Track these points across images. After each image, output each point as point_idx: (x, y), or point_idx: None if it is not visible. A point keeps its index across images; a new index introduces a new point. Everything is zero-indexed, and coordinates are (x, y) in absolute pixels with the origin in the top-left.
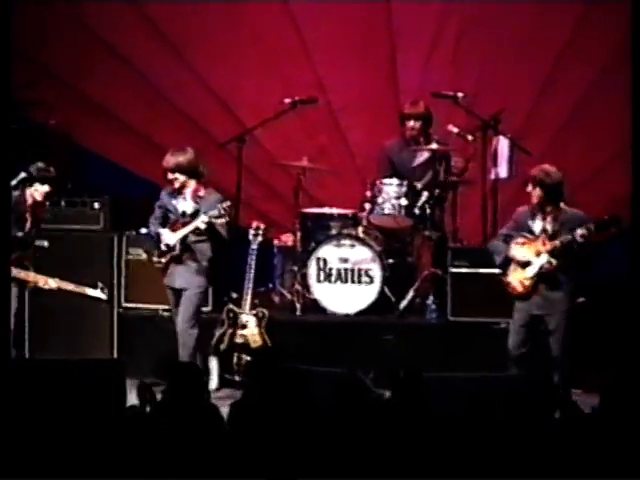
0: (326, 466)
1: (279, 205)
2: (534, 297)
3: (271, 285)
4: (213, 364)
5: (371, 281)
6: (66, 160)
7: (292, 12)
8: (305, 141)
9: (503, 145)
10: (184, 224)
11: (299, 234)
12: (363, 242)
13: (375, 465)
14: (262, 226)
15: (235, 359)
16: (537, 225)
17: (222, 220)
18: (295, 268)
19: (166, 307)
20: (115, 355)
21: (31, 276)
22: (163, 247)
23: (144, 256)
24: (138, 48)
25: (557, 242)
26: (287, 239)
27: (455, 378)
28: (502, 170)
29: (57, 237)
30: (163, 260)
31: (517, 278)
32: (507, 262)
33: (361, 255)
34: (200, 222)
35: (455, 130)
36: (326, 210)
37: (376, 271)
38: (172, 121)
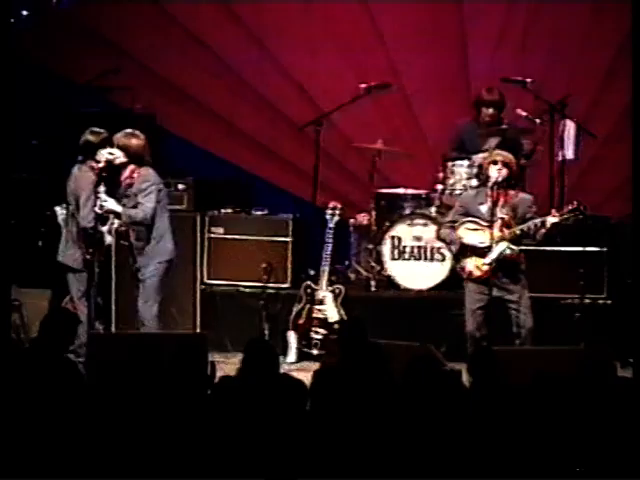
0: (401, 437)
1: (355, 186)
2: (492, 280)
3: (347, 263)
4: (292, 338)
5: (443, 259)
6: (151, 144)
7: (366, 0)
8: (380, 124)
9: (570, 128)
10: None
11: (374, 214)
12: (435, 221)
13: (448, 438)
14: (339, 206)
15: (313, 334)
16: (486, 209)
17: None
18: (370, 246)
19: (247, 284)
20: (198, 330)
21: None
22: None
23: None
24: (220, 36)
25: (517, 230)
26: (362, 219)
27: (526, 351)
28: (569, 152)
29: None
30: (126, 243)
31: (474, 263)
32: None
33: (434, 234)
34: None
35: (524, 114)
36: (400, 190)
37: (448, 249)
38: (253, 106)
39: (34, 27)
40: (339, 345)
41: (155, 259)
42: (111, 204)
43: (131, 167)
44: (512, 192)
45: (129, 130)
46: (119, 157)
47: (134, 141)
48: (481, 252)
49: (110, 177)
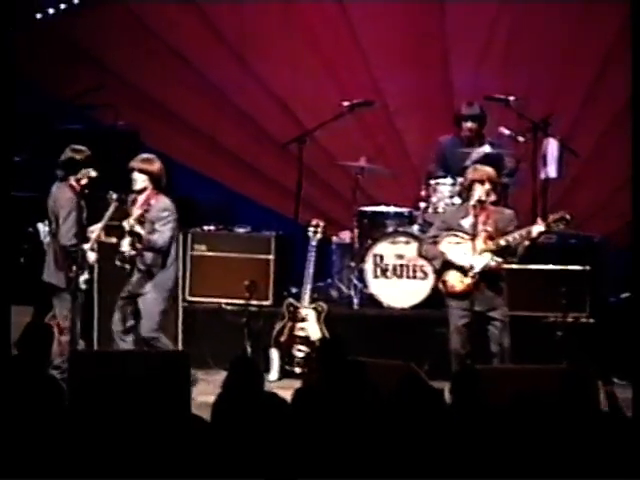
0: (383, 457)
1: (338, 203)
2: (474, 294)
3: (329, 280)
4: (274, 356)
5: (425, 276)
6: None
7: (349, 17)
8: (363, 142)
9: (553, 146)
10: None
11: (356, 231)
12: (418, 239)
13: (431, 455)
14: (321, 223)
15: (295, 351)
16: (468, 223)
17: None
18: (353, 264)
19: (229, 301)
20: (180, 347)
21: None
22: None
23: (208, 252)
24: (202, 52)
25: (502, 241)
26: (345, 236)
27: (508, 370)
28: (552, 170)
29: (124, 234)
30: (126, 266)
31: (456, 277)
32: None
33: (416, 252)
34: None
35: (506, 132)
36: (383, 208)
37: (430, 267)
38: (235, 123)
39: (17, 43)
40: (318, 363)
41: (162, 286)
42: (139, 228)
43: (148, 192)
44: (492, 208)
45: (145, 155)
46: (141, 182)
47: (156, 165)
48: (464, 266)
49: (89, 195)
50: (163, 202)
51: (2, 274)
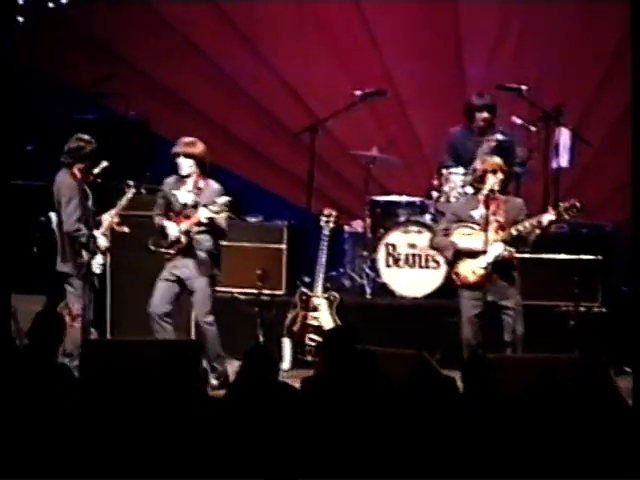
0: (395, 445)
1: (350, 193)
2: (487, 285)
3: (342, 269)
4: (286, 345)
5: (437, 266)
6: (145, 149)
7: (361, 7)
8: (375, 131)
9: (564, 136)
10: (186, 216)
11: (369, 221)
12: (430, 229)
13: (443, 444)
14: (333, 213)
15: (307, 340)
16: (478, 214)
17: (222, 215)
18: (365, 253)
19: (241, 290)
20: (192, 337)
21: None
22: (172, 238)
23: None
24: (215, 42)
25: (513, 231)
26: (357, 225)
27: (520, 359)
28: (563, 160)
29: (137, 223)
30: (172, 251)
31: (469, 268)
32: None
33: (428, 241)
34: (202, 217)
35: (519, 121)
36: (395, 198)
37: (442, 257)
38: (248, 112)
39: (28, 32)
40: (326, 352)
41: (210, 270)
42: (216, 216)
43: (194, 178)
44: (502, 197)
45: (187, 139)
46: (187, 166)
47: (198, 147)
48: (476, 257)
49: (103, 184)
50: (215, 187)
51: (12, 263)
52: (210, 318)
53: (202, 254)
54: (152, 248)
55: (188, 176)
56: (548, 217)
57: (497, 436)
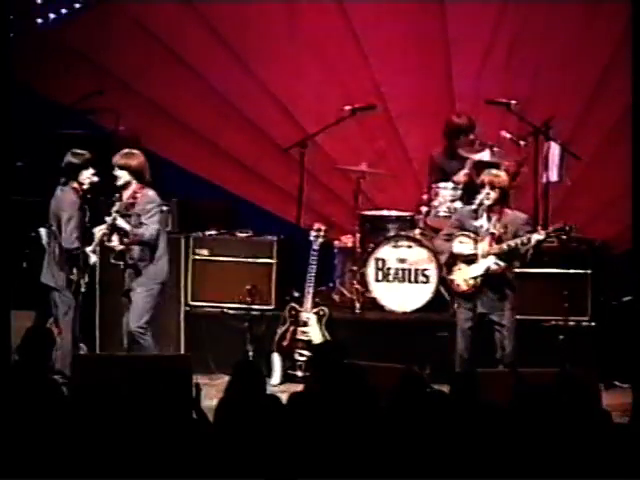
0: (382, 459)
1: (339, 207)
2: (479, 296)
3: (331, 284)
4: (276, 360)
5: (427, 280)
6: None
7: (350, 22)
8: (364, 146)
9: (554, 150)
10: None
11: (358, 235)
12: (420, 243)
13: (432, 458)
14: (323, 228)
15: (297, 355)
16: (481, 224)
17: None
18: (355, 268)
19: (231, 305)
20: (182, 351)
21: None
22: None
23: (210, 256)
24: (204, 57)
25: (504, 246)
26: (347, 240)
27: (506, 373)
28: (553, 174)
29: None
30: (120, 263)
31: (461, 276)
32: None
33: (418, 256)
34: (108, 223)
35: (508, 136)
36: (384, 212)
37: (432, 271)
38: (237, 127)
39: (18, 48)
40: (313, 368)
41: (151, 280)
42: (121, 222)
43: (133, 187)
44: (508, 211)
45: (126, 150)
46: (122, 177)
47: (134, 159)
48: (469, 265)
49: (93, 198)
50: (148, 195)
51: (3, 278)
52: (140, 329)
53: (140, 263)
54: (112, 262)
55: (124, 187)
56: (536, 237)
57: (484, 448)
